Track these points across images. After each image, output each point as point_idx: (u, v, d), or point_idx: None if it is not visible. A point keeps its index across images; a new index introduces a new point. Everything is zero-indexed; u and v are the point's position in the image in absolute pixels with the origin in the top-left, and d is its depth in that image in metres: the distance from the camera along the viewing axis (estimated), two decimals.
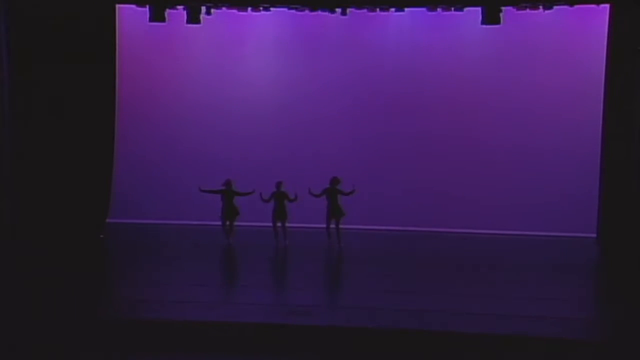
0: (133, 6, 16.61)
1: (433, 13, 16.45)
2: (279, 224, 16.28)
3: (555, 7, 15.99)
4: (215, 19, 17.07)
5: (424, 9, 16.43)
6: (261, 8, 16.56)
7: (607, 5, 15.54)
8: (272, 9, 16.64)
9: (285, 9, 16.71)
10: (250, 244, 16.45)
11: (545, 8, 16.01)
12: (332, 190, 16.09)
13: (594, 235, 16.33)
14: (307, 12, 16.62)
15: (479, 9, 15.59)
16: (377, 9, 16.52)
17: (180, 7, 16.51)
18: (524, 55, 17.07)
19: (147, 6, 16.21)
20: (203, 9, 16.61)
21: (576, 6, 15.88)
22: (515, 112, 17.24)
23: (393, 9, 16.48)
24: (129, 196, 17.69)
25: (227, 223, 16.36)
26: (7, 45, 14.42)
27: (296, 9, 16.53)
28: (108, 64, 16.61)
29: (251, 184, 16.31)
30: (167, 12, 16.30)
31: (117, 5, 16.66)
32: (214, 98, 17.90)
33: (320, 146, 17.72)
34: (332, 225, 16.25)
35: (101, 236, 16.85)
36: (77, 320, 11.80)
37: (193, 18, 16.64)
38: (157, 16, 16.17)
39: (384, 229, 17.47)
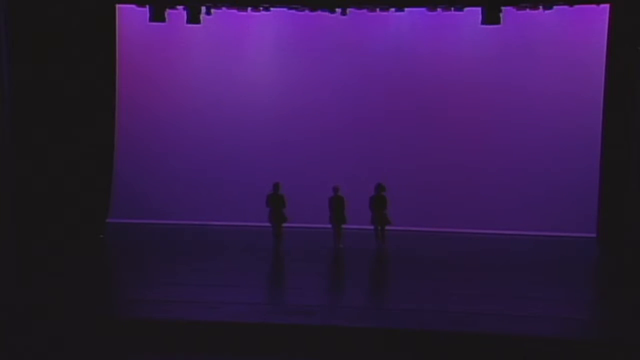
0: (133, 6, 16.62)
1: (433, 13, 16.46)
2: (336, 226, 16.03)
3: (555, 7, 16.00)
4: (215, 19, 17.07)
5: (424, 9, 16.44)
6: (261, 8, 16.57)
7: (607, 5, 15.56)
8: (272, 9, 16.64)
9: (285, 9, 16.71)
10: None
11: (545, 8, 16.01)
12: (378, 198, 15.85)
13: (594, 235, 16.32)
14: (307, 12, 16.62)
15: (479, 9, 15.59)
16: (377, 9, 16.53)
17: (180, 7, 16.51)
18: (524, 55, 17.06)
19: (147, 6, 16.23)
20: (203, 9, 16.62)
21: (576, 6, 15.89)
22: (515, 112, 17.22)
23: (393, 9, 16.48)
24: (129, 196, 17.71)
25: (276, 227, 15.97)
26: (7, 45, 14.41)
27: (296, 9, 16.53)
28: (108, 63, 16.63)
29: (251, 183, 16.30)
30: (167, 12, 16.30)
31: (117, 5, 16.68)
32: (214, 98, 17.89)
33: (319, 145, 17.71)
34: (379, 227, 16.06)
35: (101, 236, 16.86)
36: (77, 320, 11.81)
37: (193, 18, 16.64)
38: (157, 16, 16.17)
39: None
